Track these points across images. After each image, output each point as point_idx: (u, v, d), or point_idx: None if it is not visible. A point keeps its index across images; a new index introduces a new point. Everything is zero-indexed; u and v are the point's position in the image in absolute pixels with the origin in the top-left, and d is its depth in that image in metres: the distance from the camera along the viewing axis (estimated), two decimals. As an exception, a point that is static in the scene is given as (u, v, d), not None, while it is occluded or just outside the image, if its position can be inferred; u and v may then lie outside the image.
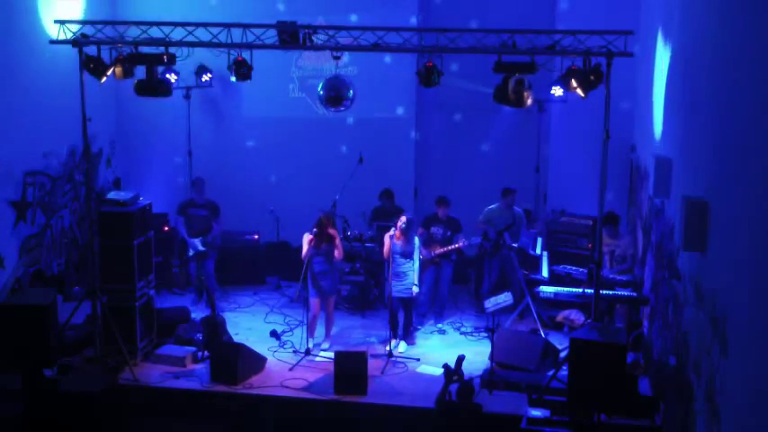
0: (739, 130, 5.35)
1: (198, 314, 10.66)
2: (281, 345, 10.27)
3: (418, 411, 8.57)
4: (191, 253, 11.67)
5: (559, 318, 10.87)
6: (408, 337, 10.40)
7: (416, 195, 13.13)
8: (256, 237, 12.97)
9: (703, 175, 6.47)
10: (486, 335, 10.33)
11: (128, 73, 9.26)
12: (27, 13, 10.58)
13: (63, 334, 9.11)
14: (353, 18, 12.33)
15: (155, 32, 9.22)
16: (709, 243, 6.07)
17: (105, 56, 9.17)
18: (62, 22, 9.06)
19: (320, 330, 10.33)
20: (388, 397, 8.89)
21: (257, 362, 9.49)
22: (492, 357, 9.28)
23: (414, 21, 12.47)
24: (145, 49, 9.22)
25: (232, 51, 9.39)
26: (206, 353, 9.66)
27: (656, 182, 8.09)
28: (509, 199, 11.36)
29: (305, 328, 10.02)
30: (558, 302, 10.50)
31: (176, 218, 11.84)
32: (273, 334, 10.54)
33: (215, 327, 9.87)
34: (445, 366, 8.37)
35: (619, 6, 11.55)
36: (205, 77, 12.83)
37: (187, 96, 12.92)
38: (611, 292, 9.83)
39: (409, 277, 10.08)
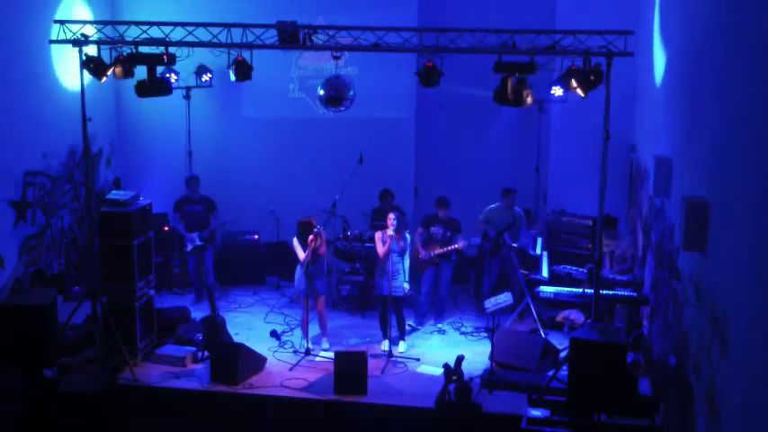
0: (739, 130, 5.35)
1: (198, 314, 10.67)
2: (281, 345, 10.27)
3: (418, 411, 8.57)
4: (189, 248, 11.71)
5: (559, 318, 10.87)
6: (402, 334, 10.39)
7: (416, 195, 13.13)
8: (256, 237, 12.97)
9: (703, 175, 6.47)
10: (486, 335, 10.33)
11: (128, 73, 9.26)
12: (27, 13, 10.58)
13: (63, 334, 9.11)
14: (353, 18, 12.33)
15: (155, 32, 9.22)
16: (709, 243, 6.07)
17: (105, 56, 9.18)
18: (62, 22, 9.06)
19: (314, 331, 10.35)
20: (388, 397, 8.89)
21: (257, 362, 9.49)
22: (492, 357, 9.28)
23: (414, 21, 12.47)
24: (145, 49, 9.23)
25: (232, 51, 9.39)
26: (206, 353, 9.66)
27: (656, 182, 8.09)
28: (509, 199, 11.36)
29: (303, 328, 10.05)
30: (558, 302, 10.50)
31: (173, 215, 11.89)
32: (273, 334, 10.54)
33: (215, 327, 9.87)
34: (445, 366, 8.37)
35: (619, 6, 11.55)
36: (205, 77, 12.83)
37: (187, 96, 12.92)
38: (611, 292, 9.83)
39: (401, 275, 10.08)
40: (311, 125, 13.23)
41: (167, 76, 11.15)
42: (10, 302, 8.50)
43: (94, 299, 9.18)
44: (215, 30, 9.19)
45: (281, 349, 10.14)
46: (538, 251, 11.48)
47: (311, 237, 9.80)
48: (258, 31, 9.22)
